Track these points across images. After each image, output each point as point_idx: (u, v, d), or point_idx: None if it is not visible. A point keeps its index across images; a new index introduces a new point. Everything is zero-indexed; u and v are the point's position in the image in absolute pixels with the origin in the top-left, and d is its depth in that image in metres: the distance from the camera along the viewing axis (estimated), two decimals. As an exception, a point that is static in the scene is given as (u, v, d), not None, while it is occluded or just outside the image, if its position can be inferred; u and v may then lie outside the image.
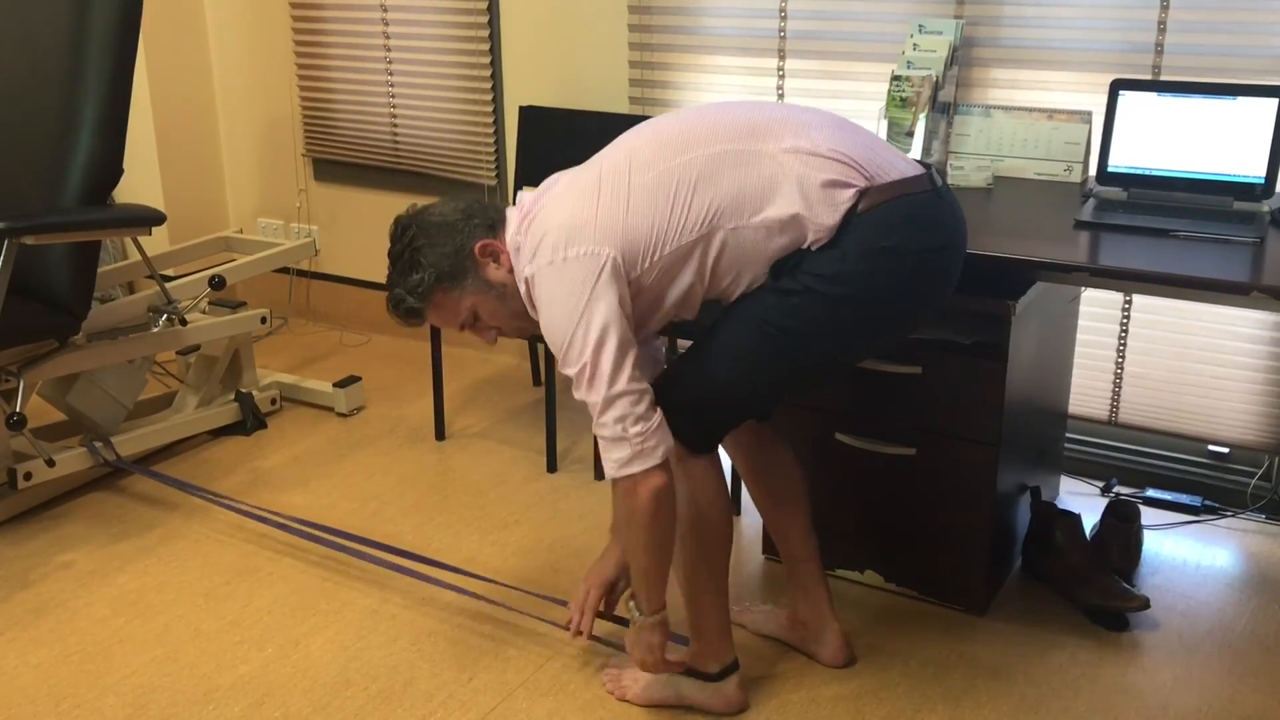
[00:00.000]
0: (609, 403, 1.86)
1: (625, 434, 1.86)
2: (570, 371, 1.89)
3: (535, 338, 3.19)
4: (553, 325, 1.90)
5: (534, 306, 1.95)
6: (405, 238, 2.00)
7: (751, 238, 1.90)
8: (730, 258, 1.92)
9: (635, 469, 1.87)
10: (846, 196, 1.87)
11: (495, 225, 2.00)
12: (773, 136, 1.90)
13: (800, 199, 1.87)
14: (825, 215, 1.87)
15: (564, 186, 1.97)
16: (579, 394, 1.90)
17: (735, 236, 1.90)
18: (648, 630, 2.04)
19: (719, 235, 1.90)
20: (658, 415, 1.89)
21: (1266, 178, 2.44)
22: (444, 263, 1.97)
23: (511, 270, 1.99)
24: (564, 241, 1.88)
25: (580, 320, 1.86)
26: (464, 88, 3.64)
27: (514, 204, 3.49)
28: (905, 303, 1.95)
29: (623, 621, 2.19)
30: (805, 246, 1.90)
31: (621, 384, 1.86)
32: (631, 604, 2.05)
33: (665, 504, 1.90)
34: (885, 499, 2.46)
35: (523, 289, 1.96)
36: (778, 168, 1.88)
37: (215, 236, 3.65)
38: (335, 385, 3.48)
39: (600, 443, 1.90)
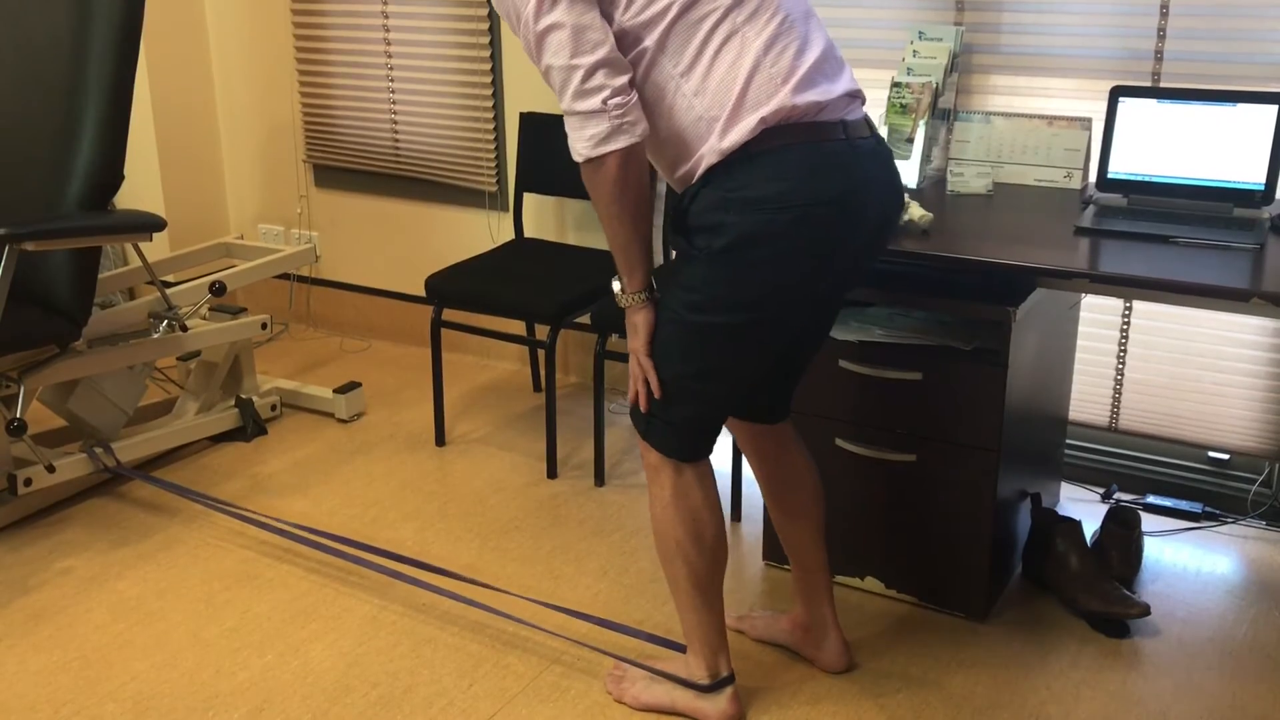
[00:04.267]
0: (589, 72, 1.76)
1: (604, 107, 1.77)
2: (532, 36, 1.78)
3: (536, 343, 3.20)
4: None
5: None
6: None
7: (665, 87, 1.84)
8: (650, 92, 1.85)
9: (615, 145, 1.77)
10: (749, 127, 1.81)
11: None
12: (762, 19, 1.83)
13: (721, 103, 1.82)
14: (725, 137, 1.82)
15: None
16: (544, 60, 1.78)
17: (656, 73, 1.83)
18: (632, 311, 1.94)
19: (648, 55, 1.83)
20: (635, 94, 1.80)
21: (1266, 184, 2.44)
22: None
23: None
24: None
25: None
26: (465, 94, 3.64)
27: (515, 200, 3.51)
28: (793, 253, 1.85)
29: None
30: (695, 166, 1.85)
31: (603, 51, 1.77)
32: (617, 286, 1.95)
33: (632, 168, 1.80)
34: (885, 505, 2.46)
35: None
36: (738, 63, 1.82)
37: (216, 242, 3.65)
38: (335, 391, 3.48)
39: (571, 119, 1.79)
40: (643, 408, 1.98)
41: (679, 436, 1.99)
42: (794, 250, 1.85)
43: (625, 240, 1.88)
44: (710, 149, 1.84)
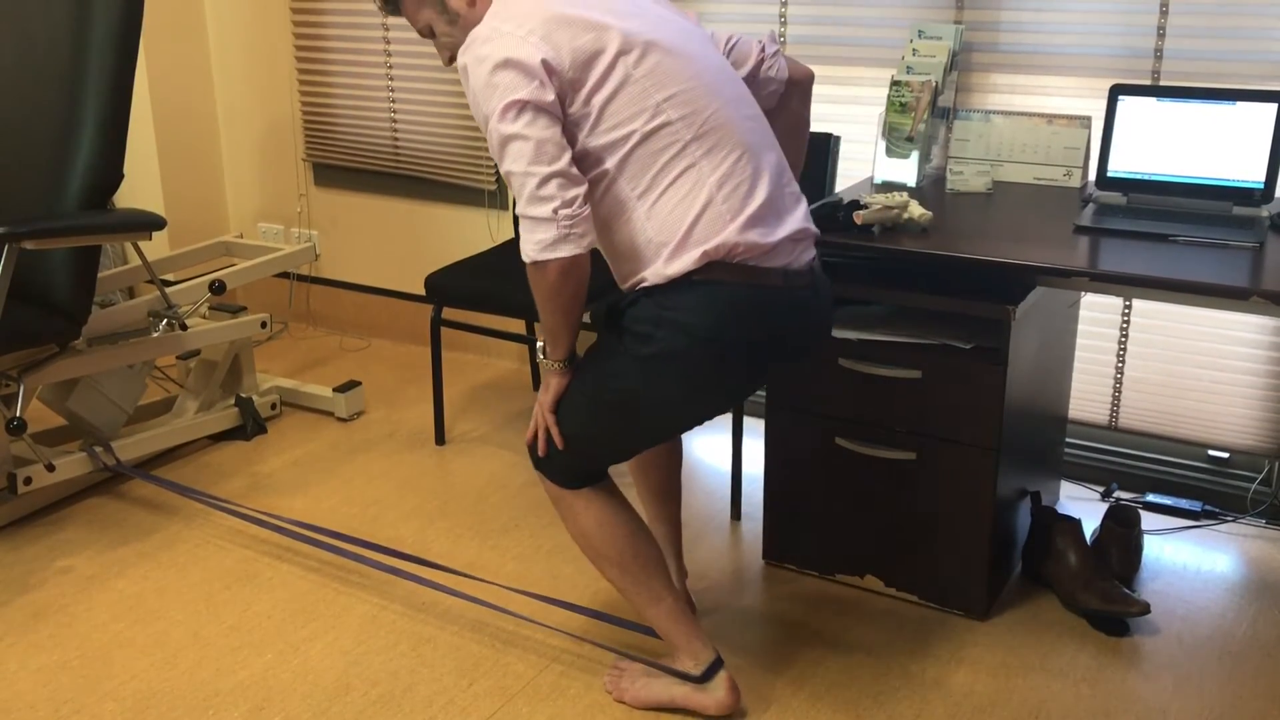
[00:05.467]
0: (544, 180, 1.84)
1: (554, 216, 1.85)
2: (496, 142, 1.88)
3: (536, 342, 3.20)
4: (477, 96, 1.89)
5: (469, 85, 1.94)
6: None
7: (623, 204, 1.93)
8: (607, 207, 1.95)
9: (560, 254, 1.86)
10: (693, 259, 1.90)
11: None
12: (719, 154, 1.93)
13: (670, 231, 1.91)
14: (670, 264, 1.92)
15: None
16: (505, 165, 1.88)
17: (615, 190, 1.93)
18: (548, 373, 2.05)
19: (609, 176, 1.92)
20: (588, 208, 1.88)
21: (1266, 183, 2.44)
22: None
23: (472, 4, 2.01)
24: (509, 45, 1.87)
25: (505, 90, 1.85)
26: (464, 92, 3.63)
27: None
28: (710, 378, 1.97)
29: None
30: (640, 282, 1.95)
31: (560, 164, 1.85)
32: (540, 347, 2.06)
33: (571, 277, 1.89)
34: (885, 504, 2.46)
35: (461, 60, 1.95)
36: (690, 196, 1.91)
37: (215, 241, 3.65)
38: (335, 390, 3.48)
39: (524, 222, 1.88)
40: (540, 452, 2.09)
41: (574, 475, 2.11)
42: (711, 376, 1.98)
43: (555, 328, 1.99)
44: (654, 271, 1.94)
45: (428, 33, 2.09)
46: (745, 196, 1.93)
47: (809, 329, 2.05)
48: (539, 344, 2.07)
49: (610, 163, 1.92)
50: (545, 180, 1.85)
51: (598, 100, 1.89)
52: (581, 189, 1.87)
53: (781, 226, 1.97)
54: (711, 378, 1.98)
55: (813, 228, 2.03)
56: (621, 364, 1.99)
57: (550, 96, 1.86)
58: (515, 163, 1.86)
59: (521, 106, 1.85)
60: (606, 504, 2.12)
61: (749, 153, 1.96)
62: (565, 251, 1.86)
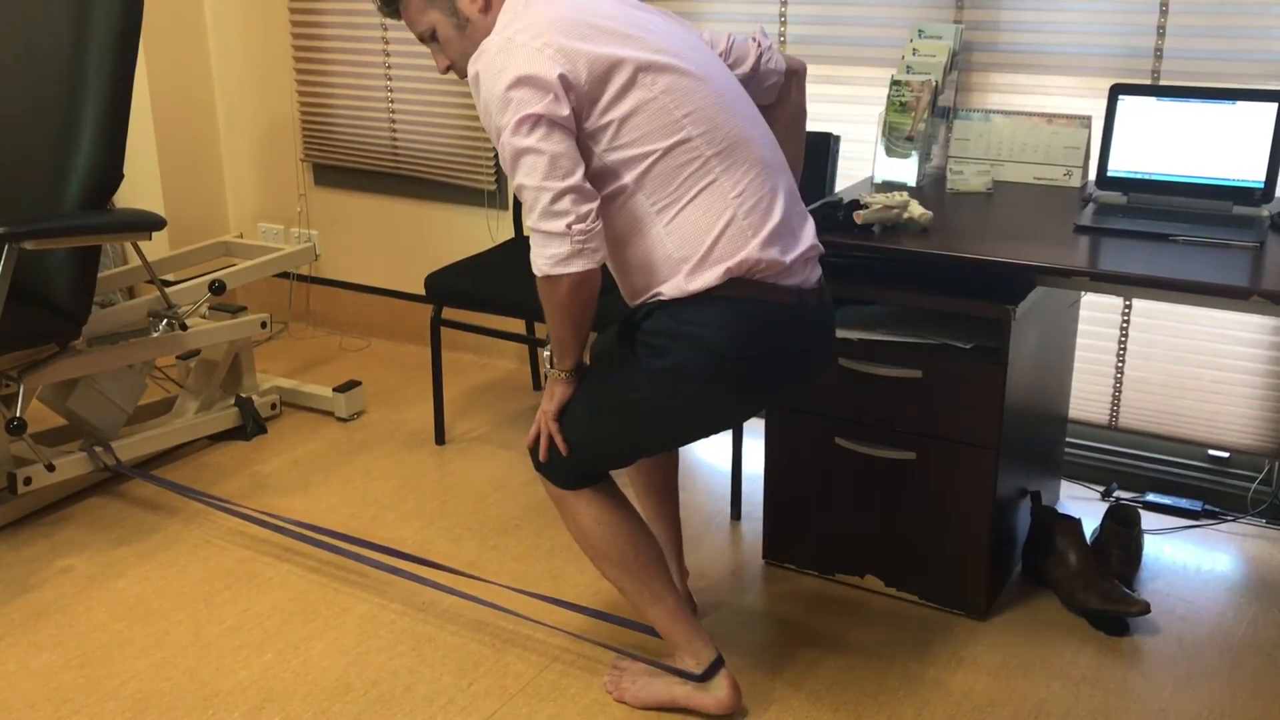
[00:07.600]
0: (558, 195, 1.84)
1: (568, 231, 1.84)
2: (509, 155, 1.86)
3: (536, 342, 3.20)
4: (490, 107, 1.87)
5: (477, 90, 1.92)
6: None
7: (640, 220, 1.93)
8: (623, 221, 1.94)
9: (573, 268, 1.85)
10: (716, 275, 1.91)
11: None
12: (739, 170, 1.93)
13: (692, 246, 1.91)
14: (692, 280, 1.92)
15: (615, 11, 1.95)
16: (517, 178, 1.87)
17: (633, 205, 1.93)
18: (554, 382, 2.04)
19: (627, 191, 1.92)
20: (600, 224, 1.87)
21: (1266, 182, 2.44)
22: None
23: (486, 11, 1.97)
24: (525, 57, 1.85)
25: (520, 105, 1.83)
26: (463, 92, 3.64)
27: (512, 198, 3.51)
28: (723, 394, 1.98)
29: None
30: (655, 296, 1.95)
31: (574, 178, 1.85)
32: (547, 356, 2.05)
33: (583, 291, 1.89)
34: (885, 503, 2.46)
35: (472, 70, 1.92)
36: (712, 211, 1.92)
37: (215, 241, 3.65)
38: (335, 390, 3.48)
39: (536, 236, 1.86)
40: (541, 458, 2.08)
41: (575, 477, 2.10)
42: (724, 392, 1.98)
43: (564, 337, 1.98)
44: (674, 286, 1.94)
45: (428, 37, 2.06)
46: (765, 213, 1.94)
47: (821, 346, 2.06)
48: (545, 353, 2.06)
49: (629, 177, 1.91)
50: (559, 195, 1.84)
51: (616, 114, 1.89)
52: (594, 204, 1.87)
53: (796, 245, 1.98)
54: (723, 394, 1.98)
55: (819, 245, 2.04)
56: (632, 375, 1.98)
57: (565, 111, 1.85)
58: (529, 177, 1.85)
59: (536, 120, 1.83)
60: (607, 504, 2.11)
61: (766, 169, 1.97)
62: (578, 266, 1.86)
